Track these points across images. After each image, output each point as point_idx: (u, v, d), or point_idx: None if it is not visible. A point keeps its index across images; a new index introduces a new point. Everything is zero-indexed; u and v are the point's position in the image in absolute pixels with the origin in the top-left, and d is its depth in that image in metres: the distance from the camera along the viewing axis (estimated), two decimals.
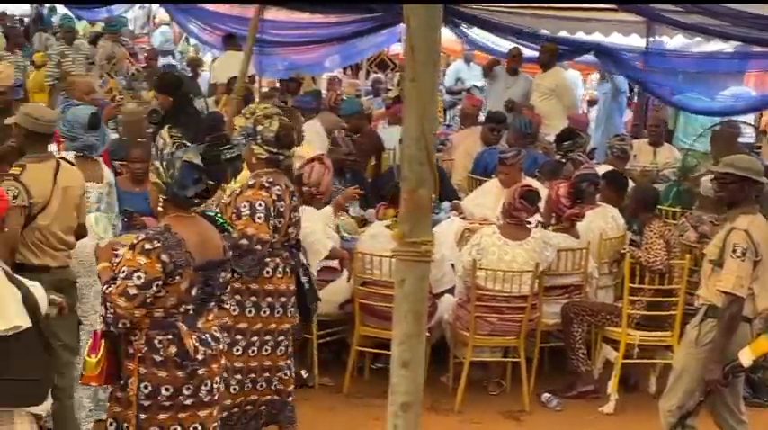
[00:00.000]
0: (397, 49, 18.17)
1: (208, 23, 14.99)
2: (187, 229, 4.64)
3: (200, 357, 4.63)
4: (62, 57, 13.94)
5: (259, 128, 5.97)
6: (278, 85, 14.60)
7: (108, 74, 13.91)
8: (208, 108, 11.39)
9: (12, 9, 21.64)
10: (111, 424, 4.70)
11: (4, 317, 4.21)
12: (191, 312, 4.66)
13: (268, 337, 6.03)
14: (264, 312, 6.00)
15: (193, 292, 4.63)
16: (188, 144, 4.70)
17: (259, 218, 5.82)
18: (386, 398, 6.86)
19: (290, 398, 6.23)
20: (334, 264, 7.67)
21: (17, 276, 4.36)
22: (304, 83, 13.88)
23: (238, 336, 5.94)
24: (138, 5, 20.48)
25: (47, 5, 20.37)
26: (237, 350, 5.96)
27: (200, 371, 4.65)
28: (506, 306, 7.33)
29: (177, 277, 4.55)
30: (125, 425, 4.62)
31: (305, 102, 11.30)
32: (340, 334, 7.91)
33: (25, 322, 4.24)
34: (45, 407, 4.41)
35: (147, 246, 4.52)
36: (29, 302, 4.28)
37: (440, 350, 7.60)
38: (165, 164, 4.66)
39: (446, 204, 8.86)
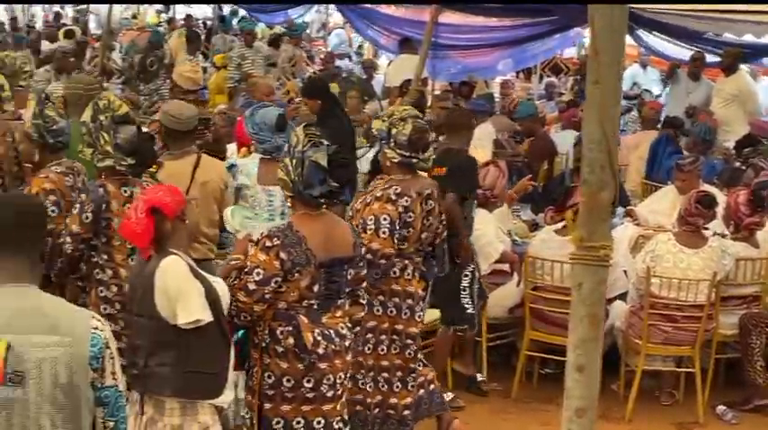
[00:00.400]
0: (570, 52, 18.01)
1: (383, 27, 15.16)
2: (311, 227, 4.72)
3: (320, 351, 4.70)
4: (242, 59, 14.29)
5: (393, 131, 5.93)
6: (449, 87, 14.65)
7: (286, 76, 14.22)
8: (382, 110, 11.51)
9: (195, 12, 22.44)
10: (247, 412, 4.82)
11: (187, 310, 4.33)
12: (314, 307, 4.74)
13: (395, 337, 5.99)
14: (391, 312, 5.96)
15: (316, 289, 4.72)
16: (323, 143, 4.76)
17: (383, 232, 5.78)
18: (554, 403, 6.93)
19: (432, 387, 6.19)
20: (505, 267, 7.66)
21: (200, 271, 4.49)
22: (477, 86, 13.89)
23: (369, 335, 5.92)
24: (314, 9, 20.87)
25: (227, 8, 20.99)
26: (368, 348, 5.95)
27: (322, 366, 4.71)
28: (681, 315, 7.18)
29: (296, 274, 4.65)
30: (253, 414, 4.73)
31: (478, 105, 11.32)
32: (509, 337, 7.89)
33: (207, 316, 4.35)
34: (226, 399, 4.51)
35: (268, 244, 4.65)
36: (211, 297, 4.40)
37: (611, 357, 7.47)
38: (294, 162, 4.75)
39: (620, 210, 8.73)
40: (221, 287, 4.50)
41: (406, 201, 5.85)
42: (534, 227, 8.57)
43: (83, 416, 3.12)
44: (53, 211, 5.57)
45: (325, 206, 4.88)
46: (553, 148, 10.72)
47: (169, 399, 4.39)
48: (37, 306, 3.12)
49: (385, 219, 5.79)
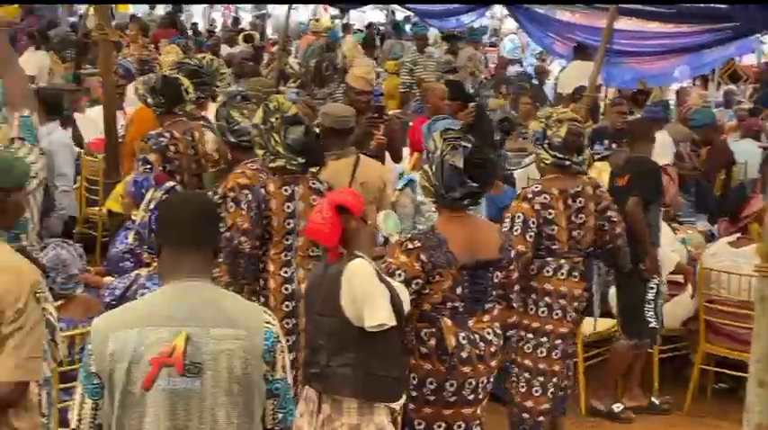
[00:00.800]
0: (750, 59, 17.50)
1: (557, 33, 15.03)
2: (454, 230, 4.74)
3: (463, 355, 4.69)
4: (414, 64, 14.39)
5: (548, 132, 5.93)
6: (619, 94, 14.42)
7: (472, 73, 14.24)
8: None
9: (369, 17, 22.75)
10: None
11: (373, 313, 4.35)
12: (459, 310, 4.73)
13: (543, 339, 5.91)
14: (543, 312, 5.90)
15: (459, 291, 4.71)
16: (461, 145, 4.76)
17: (516, 230, 5.76)
18: (728, 419, 6.75)
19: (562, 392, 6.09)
20: (680, 278, 7.51)
21: (384, 276, 4.53)
22: (652, 93, 13.63)
23: (522, 332, 5.83)
24: (487, 15, 20.85)
25: (401, 14, 21.16)
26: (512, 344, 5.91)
27: (464, 370, 4.70)
28: None
29: (438, 276, 4.66)
30: (397, 414, 4.72)
31: (653, 112, 11.09)
32: (682, 350, 7.72)
33: (392, 321, 4.37)
34: (400, 403, 4.55)
35: (409, 246, 4.70)
36: (394, 302, 4.42)
37: None
38: (434, 167, 4.77)
39: None
40: (404, 294, 4.53)
41: (545, 198, 5.84)
42: (710, 237, 8.37)
43: (255, 408, 3.21)
44: (245, 205, 5.79)
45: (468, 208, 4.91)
46: (731, 158, 10.43)
47: (347, 399, 4.45)
48: (213, 300, 3.22)
49: (519, 217, 5.80)
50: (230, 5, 26.06)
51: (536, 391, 5.94)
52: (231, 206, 5.86)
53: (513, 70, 17.60)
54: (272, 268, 5.68)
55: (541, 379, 5.93)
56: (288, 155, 5.63)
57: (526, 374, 5.94)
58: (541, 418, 5.95)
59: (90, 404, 3.18)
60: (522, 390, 5.96)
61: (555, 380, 5.95)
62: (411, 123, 9.46)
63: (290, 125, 5.67)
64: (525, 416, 5.96)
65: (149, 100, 7.40)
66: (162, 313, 3.17)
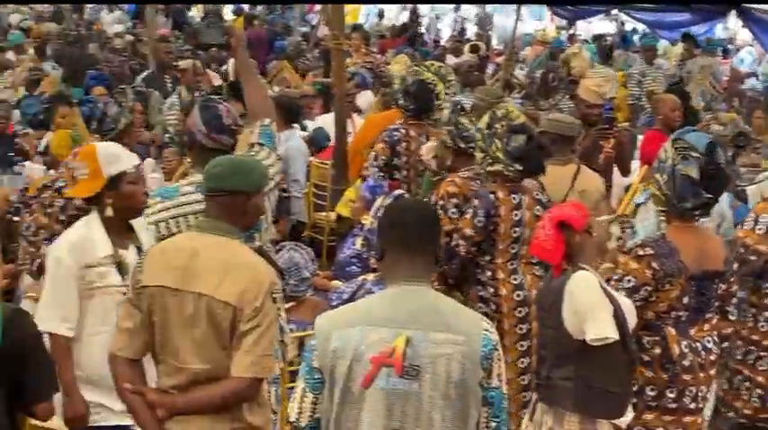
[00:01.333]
0: None
1: None
2: (684, 239, 4.67)
3: (686, 363, 4.65)
4: (642, 76, 14.13)
5: None
6: None
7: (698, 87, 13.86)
8: None
9: (595, 28, 22.44)
10: None
11: (596, 326, 4.30)
12: (683, 319, 4.68)
13: (764, 354, 5.74)
14: (762, 326, 5.74)
15: (685, 300, 4.65)
16: (693, 155, 4.67)
17: (760, 229, 5.64)
18: None
19: None
20: None
21: (609, 289, 4.47)
22: None
23: (751, 347, 5.72)
24: (721, 27, 20.26)
25: (629, 25, 20.78)
26: (749, 360, 5.76)
27: (685, 377, 4.65)
28: None
29: (667, 285, 4.60)
30: None
31: None
32: None
33: (615, 335, 4.33)
34: (626, 420, 4.48)
35: (640, 253, 4.65)
36: (617, 315, 4.36)
37: None
38: (665, 176, 4.71)
39: None
40: (628, 306, 4.48)
41: None
42: None
43: (470, 414, 3.24)
44: (453, 214, 5.95)
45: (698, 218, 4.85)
46: None
47: (568, 412, 4.43)
48: (432, 304, 3.28)
49: (763, 218, 5.68)
50: (458, 15, 26.32)
51: (755, 402, 5.83)
52: (440, 214, 5.96)
53: (749, 83, 16.98)
54: (502, 276, 5.78)
55: (759, 391, 5.81)
56: (506, 161, 5.74)
57: (746, 383, 5.83)
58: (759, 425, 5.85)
59: (311, 398, 3.29)
60: (744, 398, 5.84)
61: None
62: (641, 136, 9.29)
63: (514, 133, 5.75)
64: (743, 421, 5.86)
65: (401, 101, 7.58)
66: (383, 314, 3.25)
